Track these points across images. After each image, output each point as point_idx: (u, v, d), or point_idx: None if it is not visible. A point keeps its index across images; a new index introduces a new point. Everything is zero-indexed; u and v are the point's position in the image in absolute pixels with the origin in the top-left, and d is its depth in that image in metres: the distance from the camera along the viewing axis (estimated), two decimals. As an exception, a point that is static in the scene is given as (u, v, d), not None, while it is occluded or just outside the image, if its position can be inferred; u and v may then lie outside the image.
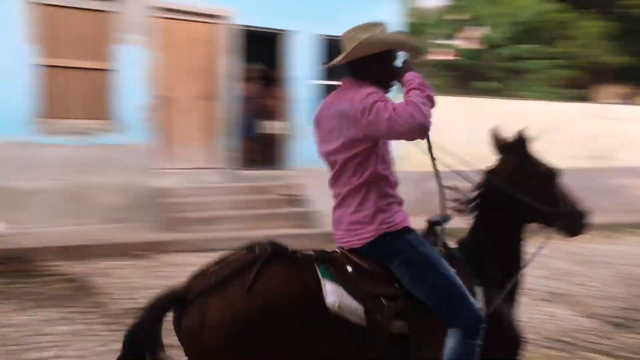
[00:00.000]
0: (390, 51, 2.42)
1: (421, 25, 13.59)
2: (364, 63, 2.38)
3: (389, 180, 2.45)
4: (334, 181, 2.46)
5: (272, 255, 2.25)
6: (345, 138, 2.32)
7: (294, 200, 9.41)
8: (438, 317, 2.32)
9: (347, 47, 2.37)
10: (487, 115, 11.64)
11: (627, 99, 18.08)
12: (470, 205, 2.69)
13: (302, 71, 9.91)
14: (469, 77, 14.64)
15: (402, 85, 2.38)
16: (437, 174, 2.55)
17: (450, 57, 14.81)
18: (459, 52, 14.28)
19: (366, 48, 2.34)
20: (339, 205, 2.45)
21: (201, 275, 2.30)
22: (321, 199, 9.59)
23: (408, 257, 2.33)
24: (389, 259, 2.35)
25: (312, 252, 2.38)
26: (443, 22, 14.22)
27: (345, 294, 2.24)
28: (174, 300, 2.24)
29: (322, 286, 2.24)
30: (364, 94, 2.25)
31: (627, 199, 13.32)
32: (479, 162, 11.32)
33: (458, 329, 2.29)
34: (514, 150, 2.72)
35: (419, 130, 2.19)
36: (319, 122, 2.50)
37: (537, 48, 13.78)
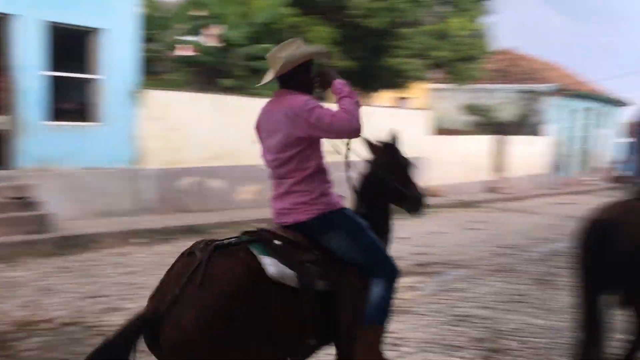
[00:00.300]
0: (308, 61, 3.01)
1: (160, 18, 13.26)
2: (290, 75, 2.95)
3: (326, 170, 3.07)
4: (278, 173, 3.01)
5: (212, 251, 2.57)
6: (290, 138, 2.87)
7: (23, 203, 8.47)
8: (354, 273, 2.93)
9: (274, 66, 2.94)
10: (231, 111, 11.89)
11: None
12: (359, 187, 3.37)
13: (28, 60, 8.95)
14: (212, 74, 14.76)
15: (328, 90, 3.01)
16: (347, 163, 3.31)
17: (192, 53, 14.74)
18: (201, 48, 14.27)
19: (289, 64, 2.91)
20: (286, 193, 2.98)
21: (158, 293, 2.53)
22: (55, 200, 8.87)
23: (348, 228, 2.96)
24: (330, 230, 2.92)
25: (239, 237, 2.83)
26: (184, 18, 14.05)
27: (279, 263, 2.69)
28: (144, 326, 2.40)
29: (260, 261, 2.65)
30: (302, 101, 2.84)
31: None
32: (228, 156, 11.38)
33: (384, 278, 2.93)
34: (386, 148, 3.40)
35: (355, 132, 2.90)
36: (260, 128, 3.08)
37: (272, 48, 14.45)
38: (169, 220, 9.97)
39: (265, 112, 3.06)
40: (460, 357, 4.67)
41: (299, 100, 2.86)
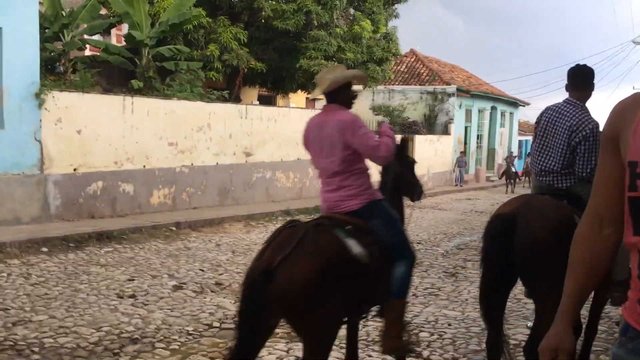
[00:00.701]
0: (349, 82, 3.77)
1: (64, 17, 12.67)
2: (335, 92, 3.68)
3: (368, 170, 3.72)
4: (329, 173, 3.64)
5: (312, 227, 3.26)
6: (340, 144, 3.55)
7: None
8: (389, 256, 3.56)
9: (321, 85, 3.69)
10: (141, 113, 11.56)
11: (267, 101, 20.01)
12: (381, 182, 4.08)
13: None
14: (120, 75, 14.29)
15: (379, 133, 3.80)
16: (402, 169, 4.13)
17: (98, 53, 14.21)
18: (108, 48, 13.78)
19: (334, 84, 3.65)
20: (337, 188, 3.62)
21: (266, 253, 3.17)
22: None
23: (386, 217, 3.62)
24: (372, 216, 3.57)
25: (321, 220, 3.45)
26: (89, 17, 13.51)
27: (358, 244, 3.31)
28: (264, 274, 3.01)
29: (345, 242, 3.28)
30: (352, 117, 3.59)
31: (270, 190, 14.79)
32: (138, 159, 11.10)
33: (407, 261, 3.60)
34: (397, 149, 3.91)
35: (385, 161, 3.75)
36: (310, 136, 3.73)
37: (181, 49, 14.17)
38: (79, 226, 9.57)
39: (316, 122, 3.73)
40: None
41: (350, 115, 3.61)
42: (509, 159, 26.77)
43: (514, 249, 3.63)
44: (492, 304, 3.81)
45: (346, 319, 3.58)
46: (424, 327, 5.48)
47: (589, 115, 4.05)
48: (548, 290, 3.37)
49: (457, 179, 25.00)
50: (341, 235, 3.32)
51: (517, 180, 25.97)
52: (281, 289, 3.01)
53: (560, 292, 1.76)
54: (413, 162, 4.34)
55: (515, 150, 32.15)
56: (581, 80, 4.16)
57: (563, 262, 1.82)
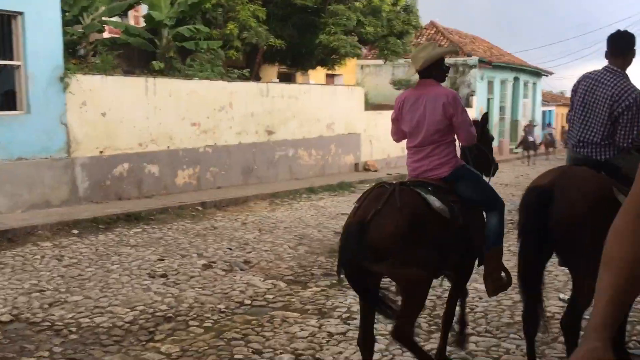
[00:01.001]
0: (441, 58, 4.03)
1: (86, 0, 12.69)
2: (429, 69, 3.96)
3: (455, 142, 4.02)
4: (419, 143, 3.95)
5: (396, 187, 3.58)
6: (441, 116, 3.86)
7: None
8: (478, 211, 4.01)
9: (415, 63, 3.99)
10: (164, 94, 11.61)
11: (288, 78, 19.91)
12: (462, 155, 4.36)
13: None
14: (142, 56, 14.32)
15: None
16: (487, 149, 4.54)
17: (117, 35, 14.24)
18: (128, 30, 13.80)
19: (427, 62, 3.93)
20: (425, 156, 3.94)
21: (360, 210, 3.51)
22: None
23: (471, 177, 4.01)
24: (460, 179, 3.92)
25: (402, 182, 3.81)
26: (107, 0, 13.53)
27: (438, 201, 3.63)
28: (359, 227, 3.36)
29: (427, 199, 3.61)
30: (452, 93, 3.95)
31: (294, 168, 14.81)
32: (163, 140, 11.19)
33: (498, 211, 3.94)
34: (477, 125, 4.32)
35: (474, 139, 4.11)
36: (405, 110, 4.02)
37: (201, 29, 14.13)
38: (107, 208, 9.70)
39: (411, 95, 4.03)
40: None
41: (451, 91, 3.98)
42: (528, 127, 25.65)
43: (551, 223, 3.59)
44: (531, 277, 3.78)
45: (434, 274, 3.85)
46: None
47: (631, 83, 3.91)
48: (586, 265, 3.29)
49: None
50: (423, 193, 3.65)
51: (536, 150, 24.74)
52: (374, 240, 3.34)
53: (598, 266, 1.47)
54: (492, 139, 4.71)
55: (539, 121, 31.63)
56: (621, 46, 4.00)
57: (602, 236, 1.55)
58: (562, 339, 3.98)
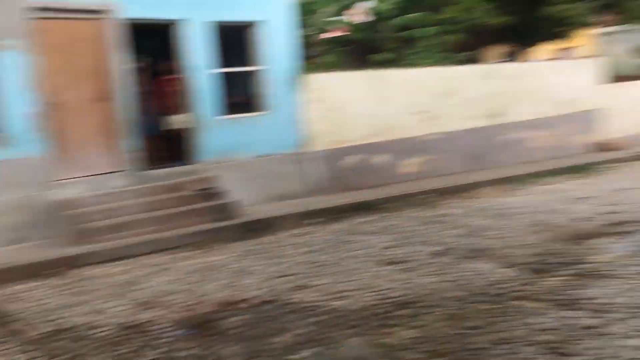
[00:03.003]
0: None
1: (312, 3, 13.53)
2: None
3: None
4: None
5: None
6: None
7: (208, 194, 9.14)
8: None
9: None
10: (388, 85, 11.85)
11: (511, 57, 18.99)
12: None
13: (199, 60, 9.58)
14: (364, 50, 14.81)
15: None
16: None
17: (343, 33, 14.89)
18: (351, 26, 14.36)
19: None
20: None
21: None
22: (237, 189, 9.47)
23: None
24: None
25: None
26: (329, 1, 14.24)
27: None
28: None
29: None
30: None
31: (523, 152, 14.04)
32: (389, 130, 11.47)
33: None
34: None
35: None
36: None
37: (424, 16, 14.11)
38: (338, 198, 10.20)
39: None
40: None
41: None
42: None
43: None
44: None
45: None
46: None
47: None
48: None
49: None
50: None
51: None
52: None
53: None
54: None
55: None
56: None
57: None
58: None
